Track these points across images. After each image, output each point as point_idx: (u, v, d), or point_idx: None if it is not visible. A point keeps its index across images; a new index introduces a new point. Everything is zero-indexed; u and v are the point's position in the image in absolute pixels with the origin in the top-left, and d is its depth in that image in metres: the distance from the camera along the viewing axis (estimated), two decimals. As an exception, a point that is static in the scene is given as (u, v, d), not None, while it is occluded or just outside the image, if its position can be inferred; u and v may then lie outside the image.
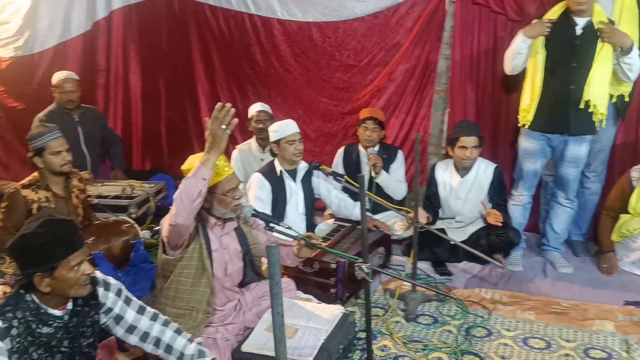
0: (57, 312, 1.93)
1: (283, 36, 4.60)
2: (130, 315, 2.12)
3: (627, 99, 3.59)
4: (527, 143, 3.61)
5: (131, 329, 2.13)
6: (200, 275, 2.54)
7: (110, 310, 2.08)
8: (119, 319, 2.10)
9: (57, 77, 4.41)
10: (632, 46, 3.25)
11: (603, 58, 3.31)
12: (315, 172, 3.63)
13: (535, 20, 3.44)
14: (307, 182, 3.64)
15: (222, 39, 4.83)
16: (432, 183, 3.86)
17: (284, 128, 3.51)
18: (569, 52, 3.35)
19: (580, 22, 3.34)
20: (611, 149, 3.80)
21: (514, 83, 3.81)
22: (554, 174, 3.77)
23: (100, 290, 2.04)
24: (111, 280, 2.11)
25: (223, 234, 2.65)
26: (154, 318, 2.17)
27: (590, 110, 3.37)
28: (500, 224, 3.48)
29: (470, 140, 3.61)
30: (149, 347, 2.18)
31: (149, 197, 4.15)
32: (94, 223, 3.49)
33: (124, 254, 3.41)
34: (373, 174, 3.84)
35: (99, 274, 2.07)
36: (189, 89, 5.07)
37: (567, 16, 3.36)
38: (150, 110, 5.25)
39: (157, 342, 2.17)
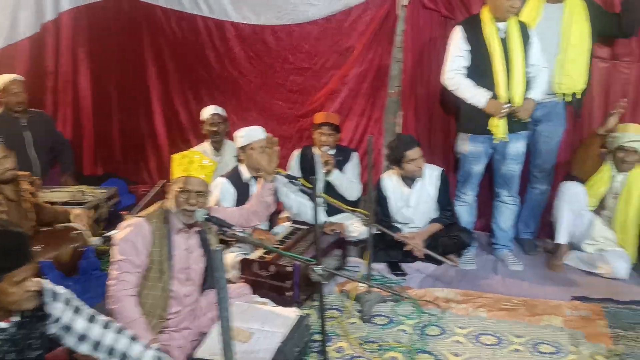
0: (1, 325, 1.86)
1: (237, 39, 4.57)
2: (80, 324, 2.05)
3: (579, 96, 3.73)
4: (472, 147, 3.70)
5: (82, 338, 2.06)
6: (158, 279, 2.50)
7: (58, 320, 2.01)
8: (68, 328, 2.03)
9: (3, 80, 4.26)
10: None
11: (520, 58, 3.48)
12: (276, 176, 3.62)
13: (493, 102, 3.51)
14: None
15: (175, 42, 4.76)
16: (380, 197, 3.88)
17: (251, 134, 3.47)
18: (500, 56, 3.49)
19: (502, 26, 3.50)
20: (558, 150, 3.92)
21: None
22: (495, 174, 3.86)
23: (49, 301, 1.97)
24: (59, 289, 2.04)
25: (189, 237, 2.63)
26: (106, 326, 2.11)
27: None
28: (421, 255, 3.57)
29: (415, 152, 3.69)
30: (101, 356, 2.12)
31: (100, 202, 4.04)
32: (42, 230, 3.38)
33: (73, 261, 3.30)
34: (324, 170, 3.85)
35: (47, 284, 2.00)
36: (142, 92, 4.97)
37: (490, 21, 3.50)
38: (101, 114, 5.12)
39: (111, 351, 2.10)
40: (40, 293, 1.93)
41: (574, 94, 3.70)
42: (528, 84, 3.54)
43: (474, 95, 3.53)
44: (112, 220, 4.07)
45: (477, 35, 3.52)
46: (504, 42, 3.50)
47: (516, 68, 3.48)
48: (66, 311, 2.02)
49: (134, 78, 4.96)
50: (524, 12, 3.67)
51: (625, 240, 3.62)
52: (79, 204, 3.92)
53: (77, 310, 2.06)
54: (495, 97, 3.49)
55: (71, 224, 3.48)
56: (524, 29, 3.54)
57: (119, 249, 2.45)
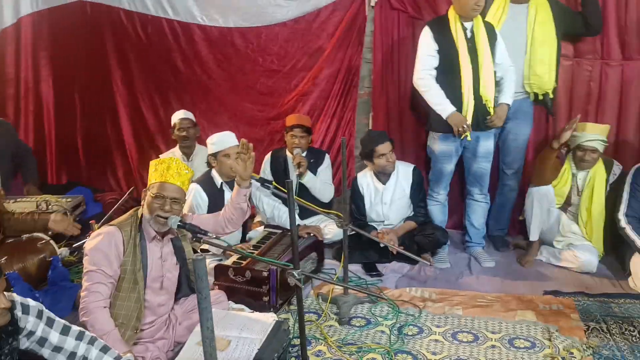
0: None
1: (204, 42, 4.52)
2: (54, 336, 2.00)
3: (551, 96, 3.79)
4: (443, 146, 3.73)
5: (57, 349, 2.02)
6: (132, 290, 2.44)
7: (32, 333, 1.95)
8: (43, 341, 1.98)
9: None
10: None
11: (486, 57, 3.53)
12: None
13: (457, 115, 3.54)
14: None
15: (140, 45, 4.67)
16: (356, 195, 3.89)
17: (222, 141, 3.43)
18: (466, 55, 3.53)
19: (469, 25, 3.56)
20: (527, 147, 3.99)
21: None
22: (466, 173, 3.90)
23: (19, 315, 1.91)
24: (30, 302, 1.97)
25: (163, 245, 2.58)
26: (79, 337, 2.07)
27: (488, 106, 3.56)
28: (394, 251, 3.56)
29: (385, 147, 3.70)
30: None
31: (67, 212, 3.93)
32: (7, 242, 3.27)
33: (40, 272, 3.21)
34: (297, 172, 3.84)
35: (16, 297, 1.94)
36: (107, 97, 4.87)
37: (456, 20, 3.54)
38: (64, 121, 5.00)
39: None
40: (10, 308, 1.86)
41: (545, 94, 3.77)
42: (498, 86, 3.60)
43: (440, 103, 3.57)
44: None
45: (445, 35, 3.55)
46: (472, 41, 3.54)
47: (484, 67, 3.53)
48: (39, 324, 1.97)
49: (99, 83, 4.86)
50: (490, 13, 3.73)
51: (591, 235, 3.71)
52: (44, 213, 3.78)
53: (49, 323, 2.01)
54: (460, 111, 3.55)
55: (37, 234, 3.37)
56: (490, 28, 3.59)
57: (90, 259, 2.39)
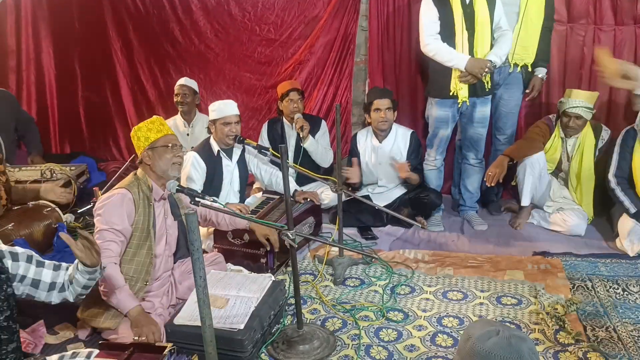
0: None
1: (201, 12, 4.56)
2: (46, 275, 2.07)
3: (530, 69, 3.85)
4: (440, 112, 3.79)
5: (52, 286, 2.09)
6: (142, 245, 2.57)
7: (24, 277, 2.02)
8: (36, 283, 2.05)
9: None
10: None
11: (484, 22, 3.55)
12: (247, 147, 3.66)
13: (475, 59, 3.55)
14: (242, 160, 3.67)
15: (139, 16, 4.72)
16: (354, 152, 4.00)
17: (222, 109, 3.49)
18: (461, 21, 3.55)
19: None
20: (518, 112, 4.05)
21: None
22: (463, 138, 3.98)
23: (9, 263, 1.98)
24: (18, 249, 2.04)
25: (163, 203, 2.69)
26: (68, 269, 2.15)
27: None
28: (408, 173, 3.69)
29: (383, 103, 3.77)
30: (69, 294, 2.14)
31: (71, 179, 4.03)
32: (14, 208, 3.37)
33: (46, 239, 3.31)
34: (301, 136, 3.90)
35: (3, 247, 2.01)
36: (107, 67, 4.93)
37: None
38: (66, 92, 5.07)
39: (69, 282, 2.12)
40: None
41: (524, 66, 3.82)
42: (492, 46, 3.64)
43: (453, 59, 3.58)
44: (82, 197, 4.08)
45: (443, 1, 3.57)
46: (470, 7, 3.55)
47: (481, 32, 3.56)
48: (30, 267, 2.03)
49: (98, 54, 4.91)
50: None
51: (581, 199, 3.80)
52: (49, 181, 3.90)
53: (40, 264, 2.07)
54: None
55: (42, 201, 3.48)
56: None
57: (101, 219, 2.48)
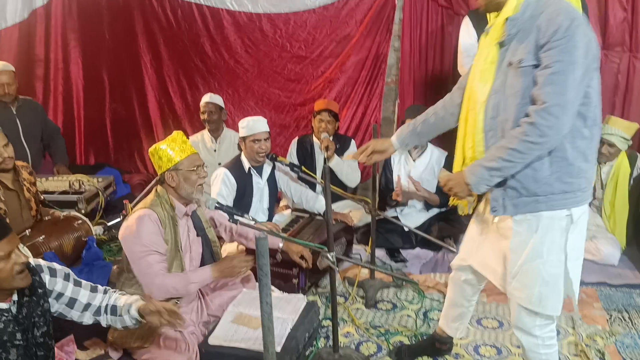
0: (3, 305, 1.84)
1: (233, 27, 4.57)
2: (83, 295, 2.06)
3: None
4: None
5: (86, 307, 2.08)
6: (171, 264, 2.53)
7: (61, 295, 2.01)
8: (72, 302, 2.04)
9: (-7, 68, 4.18)
10: None
11: None
12: (277, 165, 3.64)
13: None
14: (272, 178, 3.64)
15: (170, 30, 4.74)
16: (387, 168, 3.96)
17: (252, 126, 3.45)
18: None
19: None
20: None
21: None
22: None
23: (47, 278, 1.97)
24: (56, 265, 2.04)
25: (187, 220, 2.66)
26: (105, 292, 2.15)
27: None
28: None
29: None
30: (103, 319, 2.13)
31: (99, 191, 4.02)
32: (45, 220, 3.36)
33: (75, 252, 3.30)
34: (326, 156, 3.89)
35: (42, 262, 2.00)
36: (135, 80, 4.95)
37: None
38: (93, 103, 5.09)
39: (107, 309, 2.12)
40: (33, 271, 1.92)
41: None
42: None
43: None
44: (109, 209, 4.07)
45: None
46: None
47: None
48: (68, 285, 2.03)
49: (127, 66, 4.93)
50: None
51: (614, 228, 3.74)
52: (77, 193, 3.89)
53: (78, 283, 2.07)
54: None
55: (74, 213, 3.46)
56: None
57: (139, 245, 2.44)
